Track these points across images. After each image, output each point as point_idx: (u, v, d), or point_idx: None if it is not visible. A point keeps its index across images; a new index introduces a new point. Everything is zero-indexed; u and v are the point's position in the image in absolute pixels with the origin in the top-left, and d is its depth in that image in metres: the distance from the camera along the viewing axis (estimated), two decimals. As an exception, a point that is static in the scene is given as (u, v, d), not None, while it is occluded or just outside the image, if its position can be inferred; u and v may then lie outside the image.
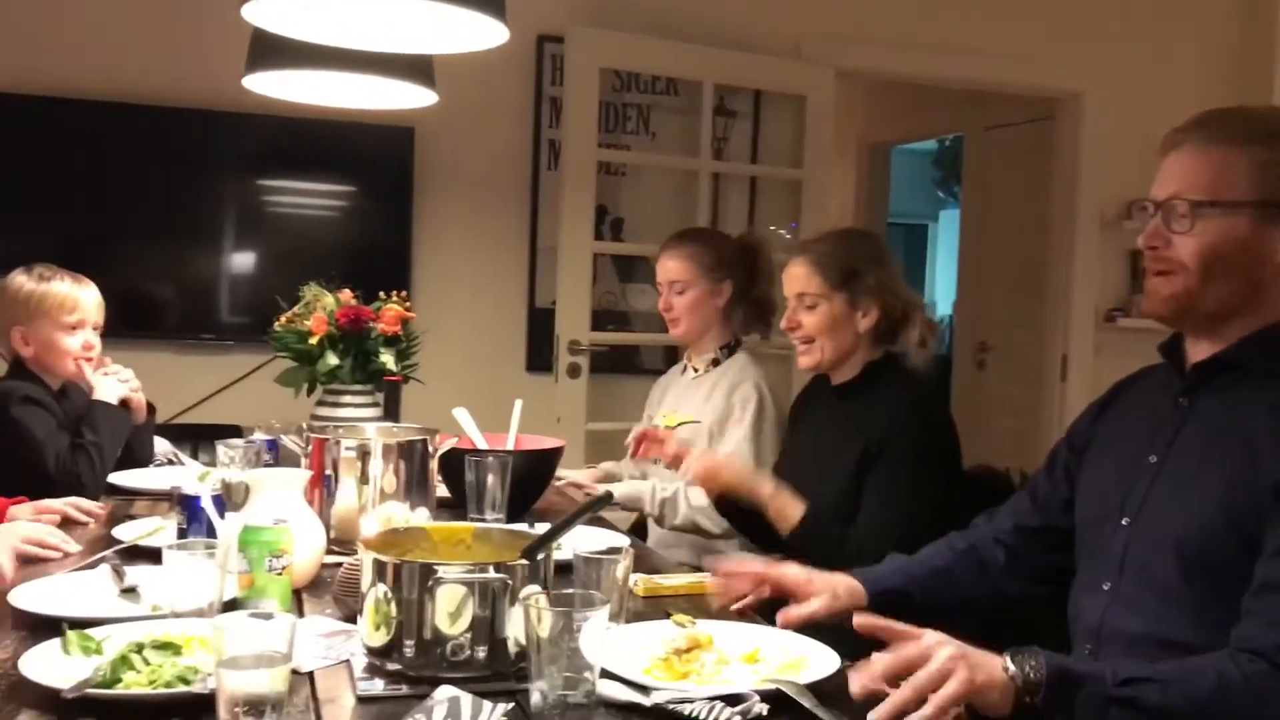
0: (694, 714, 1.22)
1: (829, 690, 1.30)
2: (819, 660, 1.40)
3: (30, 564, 1.80)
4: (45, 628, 1.41)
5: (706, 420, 2.64)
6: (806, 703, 1.24)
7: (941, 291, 9.98)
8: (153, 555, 1.72)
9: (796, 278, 2.24)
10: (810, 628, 1.54)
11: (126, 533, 1.91)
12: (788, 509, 2.10)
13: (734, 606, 1.65)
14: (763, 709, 1.23)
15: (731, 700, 1.24)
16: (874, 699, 1.23)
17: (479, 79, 3.87)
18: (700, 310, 2.73)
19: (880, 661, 1.25)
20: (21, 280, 2.51)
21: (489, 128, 4.22)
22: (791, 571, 1.65)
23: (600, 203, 4.23)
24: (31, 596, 1.53)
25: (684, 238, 2.83)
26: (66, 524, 2.04)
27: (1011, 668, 1.24)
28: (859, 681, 1.27)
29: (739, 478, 2.18)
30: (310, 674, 1.33)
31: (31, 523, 1.94)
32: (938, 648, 1.23)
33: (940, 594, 1.68)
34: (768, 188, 4.59)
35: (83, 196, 3.83)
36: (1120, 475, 1.52)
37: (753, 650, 1.44)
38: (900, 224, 9.80)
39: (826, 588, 1.61)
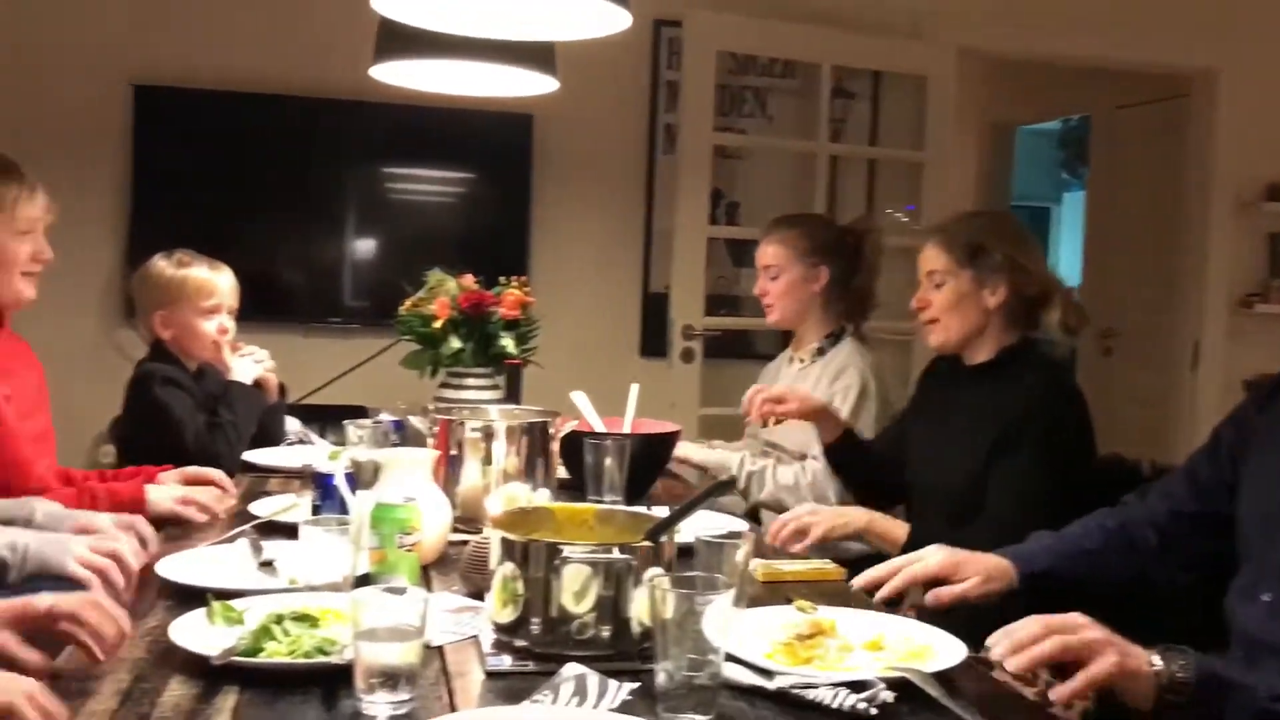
0: (818, 699, 1.22)
1: (956, 680, 1.29)
2: (945, 649, 1.38)
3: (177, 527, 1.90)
4: (190, 598, 1.47)
5: None
6: (934, 692, 1.23)
7: (1065, 275, 9.70)
8: (287, 530, 1.78)
9: (927, 257, 2.22)
10: (939, 616, 1.52)
11: (262, 508, 1.99)
12: (891, 530, 2.03)
13: (877, 596, 1.62)
14: (888, 696, 1.22)
15: (856, 687, 1.23)
16: (1005, 697, 1.22)
17: (596, 64, 3.88)
18: (793, 295, 2.71)
19: (1026, 628, 1.24)
20: (162, 266, 2.62)
21: (606, 113, 4.24)
22: (935, 559, 1.60)
23: (716, 186, 4.23)
24: (177, 568, 1.60)
25: (781, 223, 2.81)
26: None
27: (1158, 663, 1.21)
28: (1002, 647, 1.25)
29: (831, 527, 1.98)
30: (440, 648, 1.36)
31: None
32: (1087, 627, 1.23)
33: (1088, 576, 1.65)
34: (887, 170, 4.52)
35: (219, 184, 3.98)
36: None
37: (876, 638, 1.43)
38: (1023, 206, 9.55)
39: (978, 570, 1.58)
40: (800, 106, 4.40)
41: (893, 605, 1.64)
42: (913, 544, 1.97)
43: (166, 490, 2.05)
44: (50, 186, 2.14)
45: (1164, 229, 4.91)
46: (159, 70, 3.91)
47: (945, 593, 1.55)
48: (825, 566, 1.81)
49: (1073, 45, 4.49)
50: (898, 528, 2.03)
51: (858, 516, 2.02)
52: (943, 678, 1.27)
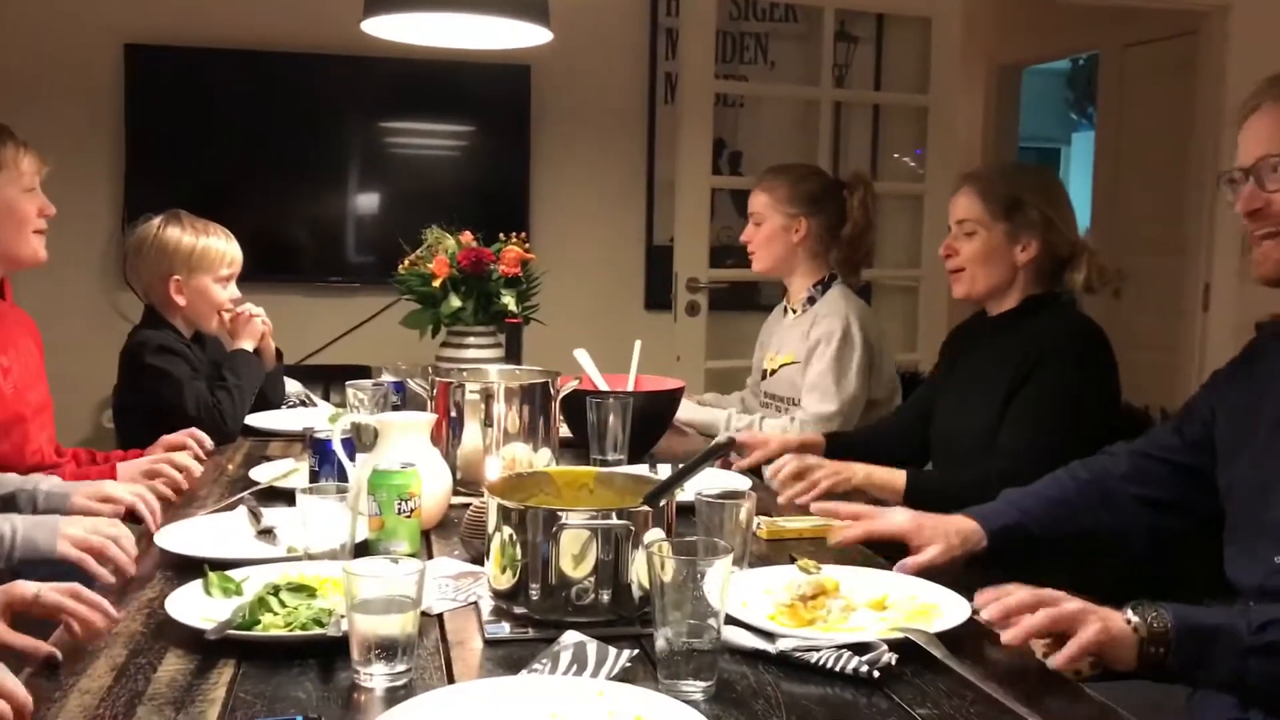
0: (821, 662, 1.20)
1: (960, 640, 1.27)
2: (949, 608, 1.36)
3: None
4: (189, 568, 1.46)
5: (802, 358, 2.62)
6: (937, 653, 1.21)
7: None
8: (288, 496, 1.76)
9: (960, 205, 2.17)
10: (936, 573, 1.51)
11: (262, 474, 1.97)
12: (890, 480, 2.00)
13: (834, 540, 1.62)
14: (891, 658, 1.20)
15: (859, 649, 1.22)
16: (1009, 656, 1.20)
17: (594, 14, 3.82)
18: (773, 245, 2.69)
19: (1017, 596, 1.25)
20: (178, 233, 2.51)
21: (605, 63, 4.18)
22: (899, 519, 1.61)
23: (718, 136, 4.17)
24: (175, 538, 1.59)
25: (769, 172, 2.80)
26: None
27: (1133, 618, 1.23)
28: (992, 612, 1.25)
29: (832, 485, 1.96)
30: (439, 616, 1.35)
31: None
32: (1066, 599, 1.24)
33: (1060, 527, 1.63)
34: (892, 115, 4.46)
35: (215, 143, 3.94)
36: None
37: (880, 597, 1.41)
38: (1031, 148, 9.45)
39: (939, 535, 1.57)
40: (803, 52, 4.33)
41: (890, 562, 1.63)
42: (911, 491, 1.97)
43: (131, 471, 1.94)
44: (44, 148, 2.11)
45: (1174, 170, 4.83)
46: (151, 29, 3.85)
47: (911, 563, 1.54)
48: (831, 522, 1.79)
49: (1081, -18, 4.40)
50: (896, 477, 2.01)
51: (855, 470, 1.98)
52: (947, 638, 1.25)
